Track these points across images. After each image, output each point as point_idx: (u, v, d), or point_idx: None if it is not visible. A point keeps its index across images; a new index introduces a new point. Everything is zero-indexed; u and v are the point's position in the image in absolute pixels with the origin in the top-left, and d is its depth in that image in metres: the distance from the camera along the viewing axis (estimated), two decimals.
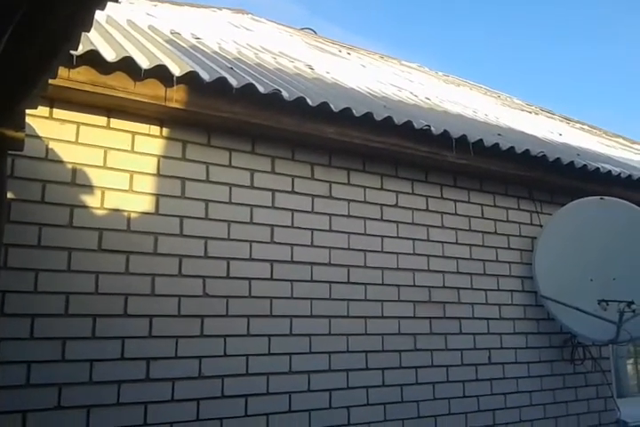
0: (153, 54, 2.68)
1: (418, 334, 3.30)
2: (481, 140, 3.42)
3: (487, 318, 3.61)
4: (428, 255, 3.44)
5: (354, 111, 2.96)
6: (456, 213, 3.62)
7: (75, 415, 2.31)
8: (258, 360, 2.75)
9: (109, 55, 2.39)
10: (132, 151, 2.61)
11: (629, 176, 4.13)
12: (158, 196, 2.64)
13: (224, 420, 2.62)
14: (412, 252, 3.37)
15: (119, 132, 2.59)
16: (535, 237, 3.89)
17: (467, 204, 3.68)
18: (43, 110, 2.38)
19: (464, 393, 3.41)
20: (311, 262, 3.00)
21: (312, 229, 3.03)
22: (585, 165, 3.87)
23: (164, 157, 2.69)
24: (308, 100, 2.84)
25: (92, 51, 2.28)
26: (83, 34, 1.58)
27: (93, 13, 1.47)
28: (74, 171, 2.46)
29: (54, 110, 2.44)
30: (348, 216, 3.18)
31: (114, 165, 2.56)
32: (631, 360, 4.86)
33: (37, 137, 2.40)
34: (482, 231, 3.71)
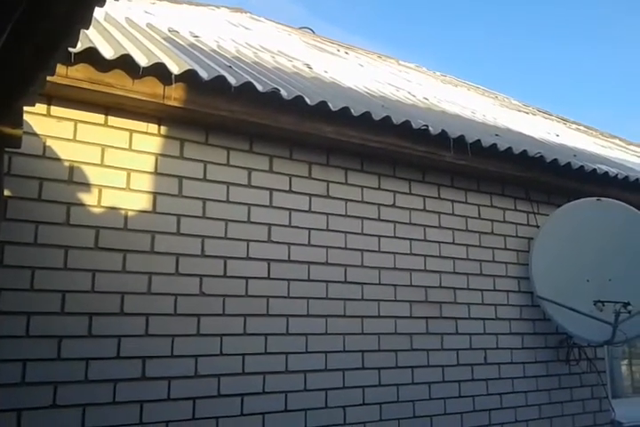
0: (151, 52, 2.67)
1: (414, 333, 3.30)
2: (479, 140, 3.42)
3: (483, 319, 3.62)
4: (425, 255, 3.44)
5: (352, 111, 2.96)
6: (453, 214, 3.62)
7: (70, 414, 2.30)
8: (254, 359, 2.75)
9: (108, 53, 2.38)
10: (130, 149, 2.61)
11: (626, 177, 4.15)
12: (155, 194, 2.64)
13: (220, 419, 2.62)
14: (408, 252, 3.37)
15: (117, 130, 2.58)
16: (532, 238, 3.89)
17: (464, 204, 3.69)
18: (40, 108, 2.37)
19: (460, 393, 3.41)
20: (308, 262, 2.99)
21: (309, 229, 3.03)
22: (582, 165, 3.88)
23: (161, 155, 2.68)
24: (307, 100, 2.83)
25: (90, 48, 2.28)
26: (81, 31, 1.58)
27: (92, 10, 1.46)
28: (71, 168, 2.45)
29: (52, 108, 2.43)
30: (346, 216, 3.18)
31: (111, 162, 2.55)
32: (625, 361, 4.87)
33: (35, 134, 2.39)
34: (479, 232, 3.72)
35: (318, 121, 2.93)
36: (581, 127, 7.68)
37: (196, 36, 3.82)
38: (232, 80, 2.68)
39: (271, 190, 2.95)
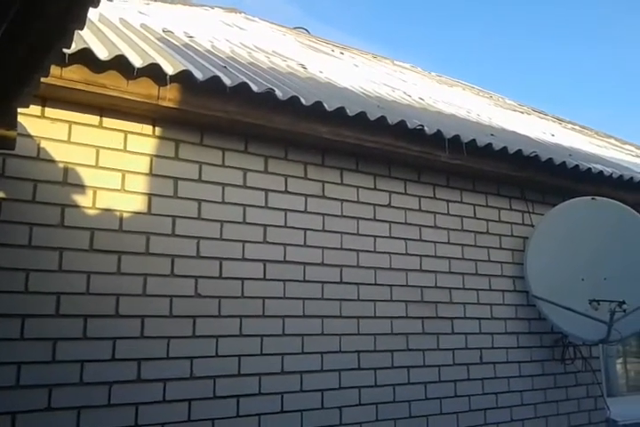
0: (146, 53, 2.66)
1: (410, 333, 3.30)
2: (474, 140, 3.42)
3: (479, 318, 3.62)
4: (421, 255, 3.44)
5: (347, 111, 2.96)
6: (448, 213, 3.62)
7: (65, 417, 2.29)
8: (250, 361, 2.75)
9: (102, 54, 2.37)
10: (125, 150, 2.60)
11: (621, 177, 4.16)
12: (150, 195, 2.63)
13: (216, 421, 2.62)
14: (404, 252, 3.37)
15: (111, 132, 2.57)
16: (527, 237, 3.90)
17: (459, 204, 3.69)
18: (34, 109, 2.36)
19: (456, 393, 3.42)
20: (304, 262, 2.99)
21: (305, 229, 3.03)
22: (577, 165, 3.89)
23: (156, 156, 2.67)
24: (302, 100, 2.83)
25: (84, 49, 2.26)
26: (75, 32, 1.57)
27: (86, 10, 1.46)
28: (65, 170, 2.44)
29: (46, 109, 2.42)
30: (341, 216, 3.17)
31: (106, 164, 2.54)
32: (620, 360, 4.89)
33: (29, 136, 2.38)
34: (474, 231, 3.72)
35: (313, 121, 2.92)
36: (577, 127, 7.70)
37: (191, 37, 3.81)
38: (227, 80, 2.67)
39: (266, 191, 2.94)
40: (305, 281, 2.98)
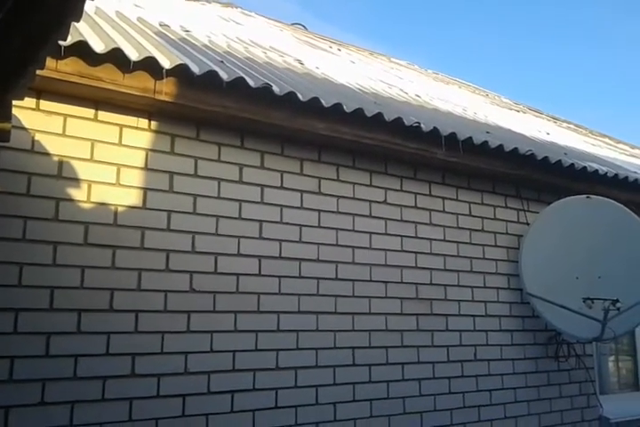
0: (142, 46, 2.64)
1: (405, 330, 3.30)
2: (470, 137, 3.42)
3: (473, 315, 3.63)
4: (416, 252, 3.44)
5: (344, 107, 2.95)
6: (444, 211, 3.62)
7: (58, 411, 2.28)
8: (244, 356, 2.74)
9: (98, 46, 2.35)
10: (120, 144, 2.58)
11: (615, 175, 4.17)
12: (146, 190, 2.62)
13: (210, 416, 2.61)
14: (400, 248, 3.37)
15: (107, 125, 2.56)
16: (522, 235, 3.91)
17: (455, 201, 3.69)
18: (29, 102, 2.34)
19: (450, 389, 3.42)
20: (299, 258, 2.99)
21: (301, 225, 3.02)
22: (572, 163, 3.90)
23: (151, 150, 2.66)
24: (299, 95, 2.82)
25: (80, 42, 2.25)
26: (72, 24, 1.55)
27: (83, 3, 1.44)
28: (60, 163, 2.42)
29: (41, 102, 2.40)
30: (337, 212, 3.17)
31: (101, 158, 2.53)
32: (612, 358, 4.91)
33: (23, 129, 2.36)
34: (469, 229, 3.72)
35: (310, 117, 2.92)
36: (571, 126, 7.72)
37: (187, 31, 3.79)
38: (224, 75, 2.66)
39: (262, 187, 2.93)
40: (300, 277, 2.97)
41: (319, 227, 3.08)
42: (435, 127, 3.28)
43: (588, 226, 3.96)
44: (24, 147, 2.35)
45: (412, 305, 3.36)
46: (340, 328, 3.06)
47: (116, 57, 2.36)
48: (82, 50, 2.28)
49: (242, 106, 2.73)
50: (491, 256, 3.80)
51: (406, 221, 3.43)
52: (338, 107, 2.93)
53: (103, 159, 2.53)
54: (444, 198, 3.64)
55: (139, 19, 3.64)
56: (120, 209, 2.54)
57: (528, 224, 3.97)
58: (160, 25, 3.67)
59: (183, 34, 3.62)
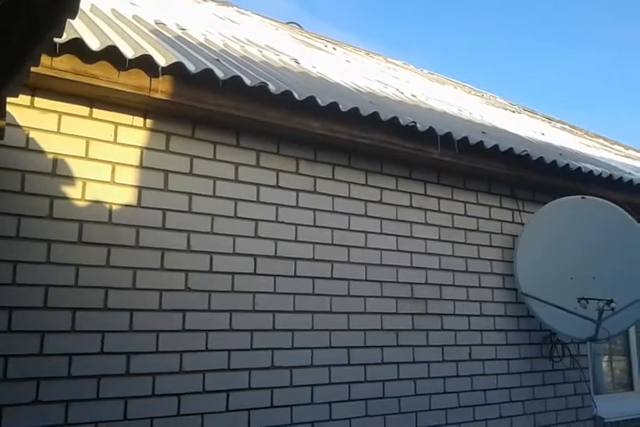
0: (138, 44, 2.63)
1: (400, 330, 3.30)
2: (466, 137, 3.42)
3: (468, 315, 3.63)
4: (411, 252, 3.44)
5: (340, 106, 2.94)
6: (439, 211, 3.63)
7: (53, 410, 2.27)
8: (240, 355, 2.73)
9: (94, 44, 2.34)
10: (115, 142, 2.57)
11: (610, 176, 4.18)
12: (141, 188, 2.61)
13: (205, 415, 2.60)
14: (395, 248, 3.37)
15: (102, 123, 2.54)
16: (517, 235, 3.91)
17: (450, 201, 3.69)
18: (24, 99, 2.33)
19: (445, 389, 3.42)
20: (295, 258, 2.98)
21: (296, 225, 3.02)
22: (567, 164, 3.91)
23: (147, 148, 2.65)
24: (295, 94, 2.81)
25: (76, 39, 2.23)
26: (67, 21, 1.54)
27: (79, 0, 1.44)
28: (54, 161, 2.41)
29: (36, 99, 2.39)
30: (333, 212, 3.16)
31: (96, 156, 2.51)
32: (606, 357, 4.93)
33: (18, 126, 2.34)
34: (464, 229, 3.73)
35: (306, 116, 2.91)
36: (566, 126, 7.74)
37: (183, 29, 3.78)
38: (220, 73, 2.65)
39: (258, 185, 2.93)
40: (295, 276, 2.97)
41: (315, 226, 3.08)
42: (430, 127, 3.28)
43: (583, 226, 3.97)
44: (18, 144, 2.34)
45: (407, 305, 3.36)
46: (335, 328, 3.06)
47: (111, 54, 2.35)
48: (77, 47, 2.27)
49: (238, 104, 2.72)
50: (486, 256, 3.80)
51: (402, 221, 3.43)
52: (334, 106, 2.93)
53: (98, 157, 2.52)
54: (439, 198, 3.64)
55: (134, 16, 3.63)
56: (115, 207, 2.53)
57: (523, 224, 3.97)
58: (156, 23, 3.66)
59: (179, 32, 3.61)
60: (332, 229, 3.14)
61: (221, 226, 2.78)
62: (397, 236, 3.40)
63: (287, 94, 2.79)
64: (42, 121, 2.40)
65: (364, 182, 3.32)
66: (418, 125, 3.24)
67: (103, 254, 2.46)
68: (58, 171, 2.41)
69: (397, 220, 3.42)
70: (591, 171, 4.07)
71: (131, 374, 2.45)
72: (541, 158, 3.77)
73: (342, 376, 3.04)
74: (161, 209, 2.64)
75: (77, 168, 2.46)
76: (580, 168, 3.98)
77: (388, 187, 3.42)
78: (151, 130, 2.67)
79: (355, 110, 3.00)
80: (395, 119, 3.15)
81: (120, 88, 2.43)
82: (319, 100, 2.88)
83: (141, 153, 2.63)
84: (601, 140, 7.53)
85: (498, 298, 3.81)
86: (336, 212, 3.18)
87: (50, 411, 2.26)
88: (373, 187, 3.35)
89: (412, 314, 3.37)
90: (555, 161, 3.84)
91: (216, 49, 3.46)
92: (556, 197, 4.03)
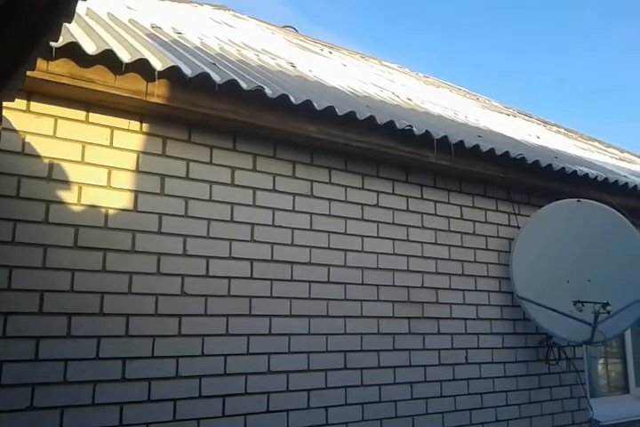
0: (134, 48, 2.63)
1: (396, 333, 3.30)
2: (462, 141, 3.43)
3: (465, 319, 3.63)
4: (408, 255, 3.44)
5: (337, 110, 2.95)
6: (436, 214, 3.63)
7: (48, 416, 2.25)
8: (236, 360, 2.72)
9: (90, 48, 2.34)
10: (111, 146, 2.56)
11: (606, 179, 4.19)
12: (137, 192, 2.60)
13: (201, 420, 2.59)
14: (391, 252, 3.37)
15: (98, 127, 2.54)
16: (513, 239, 3.92)
17: (446, 204, 3.70)
18: (20, 103, 2.32)
19: (441, 393, 3.42)
20: (291, 262, 2.98)
21: (293, 228, 3.01)
22: (562, 167, 3.92)
23: (143, 152, 2.64)
24: (291, 98, 2.81)
25: (72, 43, 2.23)
26: (63, 25, 1.54)
27: (75, 4, 1.43)
28: (50, 166, 2.40)
29: (31, 103, 2.38)
30: (329, 215, 3.16)
31: (92, 160, 2.50)
32: (602, 360, 4.93)
33: (14, 130, 2.33)
34: (461, 232, 3.73)
35: (302, 120, 2.91)
36: (561, 130, 7.77)
37: (179, 33, 3.78)
38: (216, 77, 2.65)
39: (255, 189, 2.92)
40: (292, 280, 2.96)
41: (311, 230, 3.08)
42: (427, 131, 3.29)
43: (578, 229, 3.98)
44: (14, 149, 2.33)
45: (403, 308, 3.36)
46: (331, 332, 3.05)
47: (107, 58, 2.35)
48: (73, 51, 2.26)
49: (234, 108, 2.72)
50: (482, 259, 3.81)
51: (398, 225, 3.43)
52: (330, 110, 2.93)
53: (94, 161, 2.51)
54: (435, 202, 3.64)
55: (130, 20, 3.62)
56: (111, 212, 2.52)
57: (519, 227, 3.98)
58: (152, 27, 3.66)
59: (175, 36, 3.61)
60: (329, 232, 3.14)
61: (218, 230, 2.78)
62: (394, 239, 3.40)
63: (284, 98, 2.79)
64: (38, 125, 2.39)
65: (361, 186, 3.32)
66: (414, 129, 3.24)
67: (99, 259, 2.45)
68: (54, 175, 2.40)
69: (394, 223, 3.42)
70: (587, 174, 4.08)
71: (126, 379, 2.43)
72: (537, 162, 3.78)
73: (339, 381, 3.03)
74: (157, 213, 2.63)
75: (73, 172, 2.45)
76: (575, 171, 3.99)
77: (385, 190, 3.42)
78: (147, 134, 2.66)
79: (351, 114, 3.00)
80: (391, 123, 3.16)
81: (116, 92, 2.43)
82: (315, 104, 2.88)
83: (137, 157, 2.62)
84: (596, 144, 7.55)
85: (494, 301, 3.81)
86: (332, 215, 3.17)
87: (45, 417, 2.25)
88: (370, 190, 3.35)
89: (409, 318, 3.37)
90: (550, 164, 3.85)
91: (212, 53, 3.46)
92: (552, 201, 4.03)
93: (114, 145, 2.57)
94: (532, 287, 3.77)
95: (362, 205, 3.30)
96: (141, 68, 2.44)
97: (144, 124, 2.65)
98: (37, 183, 2.36)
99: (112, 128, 2.57)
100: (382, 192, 3.40)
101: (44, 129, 2.41)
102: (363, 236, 3.27)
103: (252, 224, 2.88)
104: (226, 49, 3.86)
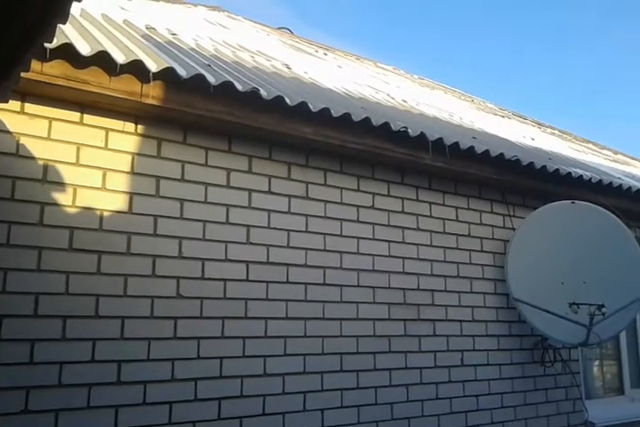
0: (129, 49, 2.62)
1: (392, 336, 3.30)
2: (457, 142, 3.43)
3: (460, 321, 3.63)
4: (404, 257, 3.44)
5: (332, 112, 2.94)
6: (431, 216, 3.63)
7: (43, 420, 2.23)
8: (232, 363, 2.71)
9: (84, 49, 2.33)
10: (106, 148, 2.55)
11: (600, 181, 4.21)
12: (132, 194, 2.59)
13: (197, 423, 2.58)
14: (387, 254, 3.37)
15: (93, 129, 2.52)
16: (508, 240, 3.92)
17: (441, 206, 3.70)
18: (14, 104, 2.31)
19: (437, 395, 3.42)
20: (287, 264, 2.97)
21: (288, 230, 3.01)
22: (557, 169, 3.93)
23: (138, 154, 2.63)
24: (287, 100, 2.81)
25: (66, 44, 2.22)
26: (58, 26, 1.53)
27: (70, 4, 1.42)
28: (45, 167, 2.39)
29: (26, 105, 2.37)
30: (325, 217, 3.16)
31: (87, 162, 2.49)
32: (597, 362, 4.94)
33: (8, 132, 2.32)
34: (456, 234, 3.73)
35: (298, 122, 2.91)
36: (556, 131, 7.79)
37: (174, 34, 3.77)
38: (211, 79, 2.64)
39: (250, 191, 2.92)
40: (288, 282, 2.96)
41: (307, 232, 3.07)
42: (422, 132, 3.29)
43: (573, 231, 3.99)
44: (8, 150, 2.32)
45: (399, 310, 3.35)
46: (327, 334, 3.05)
47: (102, 60, 2.34)
48: (68, 52, 2.25)
49: (229, 110, 2.71)
50: (477, 261, 3.81)
51: (394, 226, 3.43)
52: (325, 111, 2.92)
53: (89, 163, 2.50)
54: (430, 203, 3.64)
55: (125, 21, 3.61)
56: (106, 214, 2.50)
57: (514, 229, 3.98)
58: (147, 28, 3.65)
59: (170, 37, 3.60)
60: (325, 234, 3.13)
61: (213, 232, 2.77)
62: (389, 241, 3.40)
63: (279, 100, 2.79)
64: (32, 127, 2.38)
65: (356, 188, 3.32)
66: (409, 131, 3.25)
67: (94, 261, 2.44)
68: (48, 177, 2.39)
69: (389, 225, 3.42)
70: (581, 176, 4.09)
71: (122, 382, 2.42)
72: (532, 163, 3.79)
73: (335, 383, 3.02)
74: (152, 215, 2.62)
75: (68, 174, 2.44)
76: (569, 173, 4.00)
77: (380, 192, 3.41)
78: (142, 135, 2.65)
79: (346, 116, 3.00)
80: (386, 124, 3.16)
81: (111, 93, 2.42)
82: (311, 106, 2.88)
83: (132, 159, 2.61)
84: (590, 145, 7.58)
85: (489, 303, 3.81)
86: (328, 217, 3.17)
87: (39, 420, 2.23)
88: (365, 192, 3.35)
89: (405, 320, 3.37)
90: (545, 166, 3.86)
91: (207, 54, 3.45)
92: (547, 202, 4.04)
93: (109, 147, 2.56)
94: (527, 289, 3.78)
95: (357, 206, 3.30)
96: (136, 69, 2.43)
97: (139, 126, 2.64)
98: (32, 185, 2.35)
99: (107, 130, 2.56)
100: (378, 194, 3.40)
101: (39, 131, 2.39)
102: (358, 238, 3.27)
103: (248, 226, 2.88)
104: (221, 50, 3.86)
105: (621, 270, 3.97)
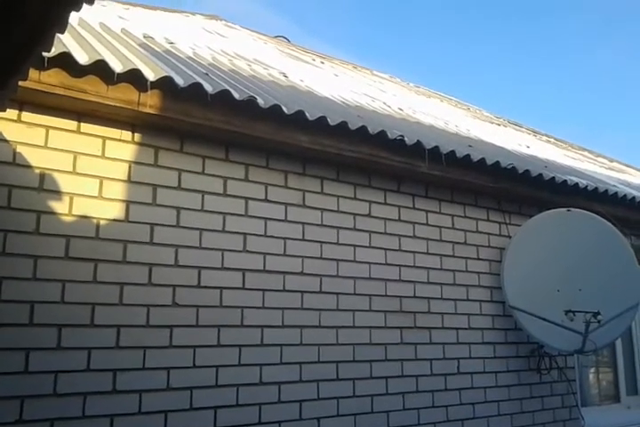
0: (126, 58, 2.63)
1: (388, 344, 3.29)
2: (453, 151, 3.45)
3: (456, 328, 3.63)
4: (400, 265, 3.45)
5: (329, 120, 2.96)
6: (427, 224, 3.64)
7: None
8: (228, 371, 2.71)
9: (82, 58, 2.34)
10: (103, 157, 2.56)
11: (595, 189, 4.23)
12: (128, 203, 2.59)
13: None
14: (383, 262, 3.37)
15: (90, 137, 2.53)
16: (504, 248, 3.93)
17: (438, 214, 3.71)
18: (11, 113, 2.31)
19: (433, 403, 3.41)
20: (283, 272, 2.97)
21: (285, 238, 3.01)
22: (553, 177, 3.94)
23: (135, 163, 2.63)
24: (284, 108, 2.82)
25: (64, 53, 2.23)
26: (56, 36, 1.54)
27: (68, 14, 1.43)
28: (42, 176, 2.39)
29: (23, 113, 2.37)
30: (321, 225, 3.16)
31: (83, 170, 2.50)
32: (592, 369, 4.95)
33: (5, 141, 2.32)
34: (452, 242, 3.74)
35: (295, 130, 2.92)
36: (551, 139, 7.83)
37: (172, 43, 3.78)
38: (208, 87, 2.66)
39: (247, 199, 2.92)
40: (284, 290, 2.96)
41: (303, 240, 3.08)
42: (418, 140, 3.30)
43: (569, 239, 4.00)
44: (5, 159, 2.32)
45: (395, 318, 3.36)
46: (323, 342, 3.04)
47: (100, 69, 2.34)
48: (65, 61, 2.26)
49: (226, 118, 2.72)
50: (473, 269, 3.82)
51: (390, 234, 3.44)
52: (322, 120, 2.94)
53: (86, 172, 2.50)
54: (427, 211, 3.65)
55: (123, 30, 3.63)
56: (102, 222, 2.50)
57: (510, 237, 3.99)
58: (144, 37, 3.66)
59: (167, 46, 3.62)
60: (321, 242, 3.14)
61: (210, 240, 2.77)
62: (386, 249, 3.40)
63: (276, 108, 2.80)
64: (29, 135, 2.38)
65: (353, 196, 3.33)
66: (406, 139, 3.26)
67: (90, 270, 2.44)
68: (45, 186, 2.39)
69: (386, 233, 3.42)
70: (577, 183, 4.11)
71: (117, 391, 2.41)
72: (527, 171, 3.80)
73: (331, 391, 3.02)
74: (149, 224, 2.62)
75: (65, 183, 2.44)
76: (565, 181, 4.02)
77: (377, 200, 3.42)
78: (139, 144, 2.66)
79: (343, 124, 3.01)
80: (383, 133, 3.17)
81: (108, 102, 2.42)
82: (308, 114, 2.89)
83: (129, 167, 2.61)
84: (586, 153, 7.62)
85: (486, 311, 3.82)
86: (325, 225, 3.17)
87: None
88: (362, 200, 3.36)
89: (401, 328, 3.37)
90: (541, 174, 3.87)
91: (205, 63, 3.46)
92: (542, 210, 4.06)
93: (106, 155, 2.56)
94: (523, 297, 3.78)
95: (354, 214, 3.31)
96: (134, 78, 2.44)
97: (136, 135, 2.65)
98: (28, 194, 2.35)
99: (104, 138, 2.57)
100: (374, 202, 3.41)
101: (36, 139, 2.40)
102: (355, 246, 3.27)
103: (245, 234, 2.88)
104: (218, 59, 3.87)
105: (617, 278, 3.98)
